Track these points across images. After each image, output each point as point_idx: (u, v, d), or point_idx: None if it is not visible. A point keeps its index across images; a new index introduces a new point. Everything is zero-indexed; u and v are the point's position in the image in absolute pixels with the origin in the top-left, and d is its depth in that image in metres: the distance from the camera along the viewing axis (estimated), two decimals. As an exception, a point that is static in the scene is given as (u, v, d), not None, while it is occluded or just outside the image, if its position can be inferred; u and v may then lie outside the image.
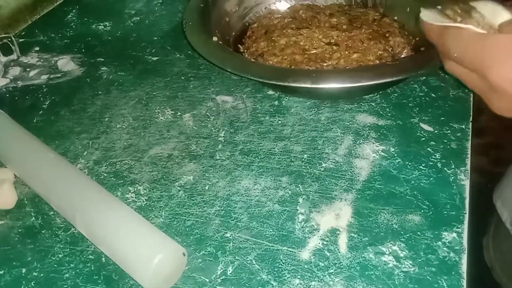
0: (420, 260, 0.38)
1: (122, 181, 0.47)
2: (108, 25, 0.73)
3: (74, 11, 0.78)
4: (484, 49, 0.32)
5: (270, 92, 0.56)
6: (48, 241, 0.43)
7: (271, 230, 0.41)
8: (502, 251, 0.61)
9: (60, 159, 0.45)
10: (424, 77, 0.54)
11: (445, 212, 0.41)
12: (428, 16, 0.39)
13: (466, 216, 0.40)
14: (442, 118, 0.49)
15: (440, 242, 0.39)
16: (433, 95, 0.53)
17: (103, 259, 0.40)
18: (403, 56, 0.55)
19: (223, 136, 0.51)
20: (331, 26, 0.58)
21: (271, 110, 0.54)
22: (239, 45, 0.61)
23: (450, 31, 0.35)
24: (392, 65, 0.47)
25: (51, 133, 0.54)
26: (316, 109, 0.53)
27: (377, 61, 0.53)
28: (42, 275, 0.40)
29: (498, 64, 0.32)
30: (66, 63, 0.66)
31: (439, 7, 0.38)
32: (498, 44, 0.32)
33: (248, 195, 0.45)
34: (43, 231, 0.43)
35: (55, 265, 0.41)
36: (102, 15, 0.76)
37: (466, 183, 0.43)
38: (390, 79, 0.43)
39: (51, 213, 0.45)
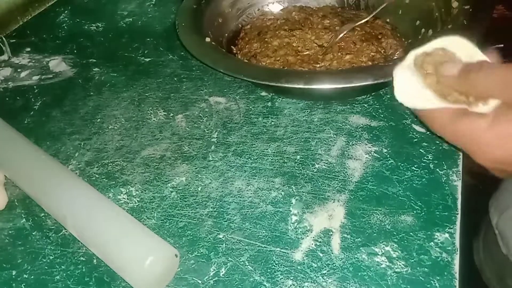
0: (412, 260, 0.38)
1: (114, 182, 0.47)
2: (100, 26, 0.73)
3: (66, 11, 0.78)
4: (459, 136, 0.33)
5: (263, 93, 0.56)
6: (39, 243, 0.42)
7: (264, 231, 0.41)
8: (492, 254, 0.61)
9: (51, 160, 0.45)
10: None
11: (438, 213, 0.41)
12: (402, 79, 0.35)
13: (458, 217, 0.41)
14: (434, 119, 0.50)
15: (432, 243, 0.39)
16: (425, 96, 0.53)
17: (95, 261, 0.40)
18: (395, 57, 0.55)
19: (216, 137, 0.51)
20: (324, 28, 0.58)
21: (264, 111, 0.54)
22: (232, 47, 0.61)
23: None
24: (385, 66, 0.47)
25: (42, 134, 0.54)
26: (309, 110, 0.53)
27: (370, 63, 0.53)
28: (32, 277, 0.40)
29: (474, 152, 0.33)
30: (58, 64, 0.65)
31: (412, 55, 0.34)
32: (469, 133, 0.32)
33: (241, 196, 0.44)
34: (33, 233, 0.43)
35: (46, 267, 0.40)
36: (95, 16, 0.75)
37: (458, 184, 0.43)
38: (382, 80, 0.43)
39: (42, 214, 0.44)
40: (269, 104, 0.55)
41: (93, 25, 0.73)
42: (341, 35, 0.55)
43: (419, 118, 0.36)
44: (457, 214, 0.41)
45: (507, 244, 0.56)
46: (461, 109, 0.33)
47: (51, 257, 0.41)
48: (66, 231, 0.42)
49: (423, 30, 0.56)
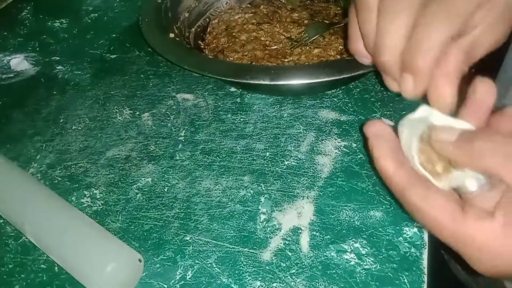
0: (381, 256, 0.37)
1: (77, 185, 0.45)
2: (64, 22, 0.70)
3: (28, 8, 0.75)
4: (460, 239, 0.28)
5: (232, 89, 0.55)
6: (-3, 251, 0.41)
7: (232, 232, 0.40)
8: None
9: (9, 165, 0.43)
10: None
11: (406, 207, 0.40)
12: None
13: (427, 211, 0.40)
14: (403, 112, 0.49)
15: (401, 238, 0.38)
16: (394, 89, 0.52)
17: (56, 268, 0.39)
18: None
19: (184, 136, 0.50)
20: (292, 21, 0.57)
21: (233, 107, 0.52)
22: (199, 42, 0.59)
23: (418, 192, 0.28)
24: (352, 60, 0.46)
25: (1, 136, 0.52)
26: (278, 105, 0.52)
27: (338, 56, 0.52)
28: (-10, 287, 0.38)
29: (476, 260, 0.28)
30: (19, 63, 0.63)
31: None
32: (474, 238, 0.27)
33: (209, 196, 0.43)
34: (-9, 241, 0.41)
35: (5, 276, 0.39)
36: (58, 11, 0.73)
37: (427, 177, 0.43)
38: (349, 75, 0.42)
39: (1, 221, 0.43)
40: (238, 100, 0.53)
41: (57, 21, 0.71)
42: (314, 37, 0.54)
43: (410, 210, 0.30)
44: (426, 208, 0.40)
45: None
46: (461, 207, 0.28)
47: (10, 266, 0.39)
48: (26, 238, 0.41)
49: (391, 22, 0.55)
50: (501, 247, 0.26)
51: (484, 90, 0.29)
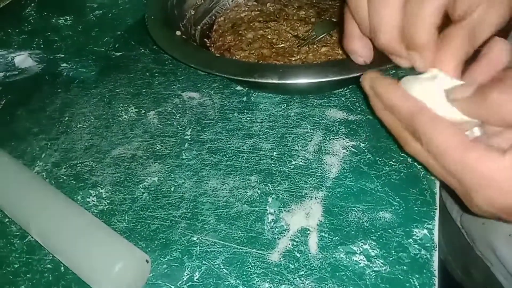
0: (391, 258, 0.37)
1: (82, 184, 0.45)
2: (68, 19, 0.70)
3: (32, 4, 0.74)
4: (465, 167, 0.27)
5: (239, 87, 0.54)
6: (3, 250, 0.40)
7: (239, 232, 0.40)
8: (455, 246, 0.61)
9: (15, 163, 0.43)
10: (393, 71, 0.53)
11: (416, 208, 0.40)
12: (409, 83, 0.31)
13: (437, 212, 0.40)
14: (412, 112, 0.49)
15: (411, 240, 0.38)
16: (403, 88, 0.52)
17: (62, 268, 0.38)
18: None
19: (190, 134, 0.49)
20: (299, 19, 0.56)
21: (240, 106, 0.52)
22: (205, 39, 0.59)
23: (427, 116, 0.28)
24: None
25: (6, 134, 0.51)
26: (285, 104, 0.51)
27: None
28: (-5, 287, 0.38)
29: (477, 191, 0.28)
30: (24, 60, 0.62)
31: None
32: (481, 168, 0.27)
33: (216, 196, 0.43)
34: (-3, 240, 0.41)
35: (10, 276, 0.38)
36: (63, 8, 0.72)
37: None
38: (357, 74, 0.42)
39: (6, 220, 0.42)
40: (245, 98, 0.53)
41: (61, 18, 0.70)
42: (322, 36, 0.53)
43: (407, 120, 0.29)
44: (436, 209, 0.40)
45: (473, 240, 0.56)
46: (470, 137, 0.28)
47: (16, 266, 0.39)
48: (32, 238, 0.40)
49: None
50: (506, 179, 0.26)
51: (500, 49, 0.29)
